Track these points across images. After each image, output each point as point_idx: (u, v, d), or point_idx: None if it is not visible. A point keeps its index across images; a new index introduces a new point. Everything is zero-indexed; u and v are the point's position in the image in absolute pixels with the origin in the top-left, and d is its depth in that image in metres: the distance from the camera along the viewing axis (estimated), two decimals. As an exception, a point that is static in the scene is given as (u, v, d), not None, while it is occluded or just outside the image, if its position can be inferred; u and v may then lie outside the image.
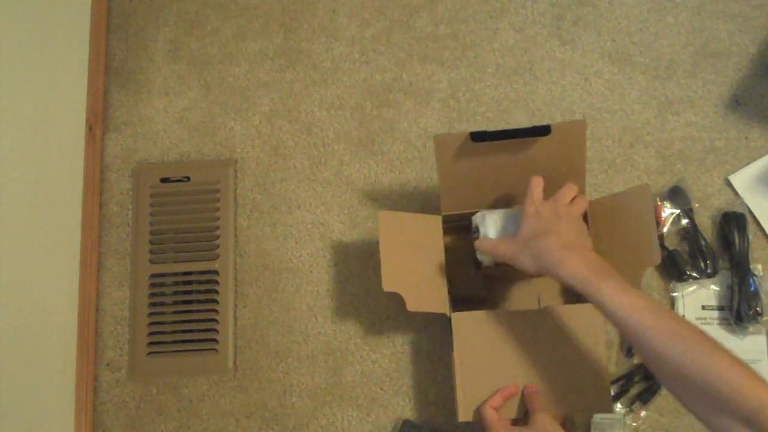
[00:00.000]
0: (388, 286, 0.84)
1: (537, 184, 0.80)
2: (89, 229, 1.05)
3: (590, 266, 0.69)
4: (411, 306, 0.84)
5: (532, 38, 1.09)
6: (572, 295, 0.94)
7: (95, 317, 1.04)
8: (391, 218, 0.90)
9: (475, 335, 0.85)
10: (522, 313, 0.86)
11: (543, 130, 0.83)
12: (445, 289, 0.89)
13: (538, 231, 0.75)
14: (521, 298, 0.96)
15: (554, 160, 0.86)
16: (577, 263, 0.70)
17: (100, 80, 1.11)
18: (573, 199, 0.83)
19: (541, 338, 0.85)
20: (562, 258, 0.71)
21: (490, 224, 0.81)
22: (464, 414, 0.84)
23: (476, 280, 0.96)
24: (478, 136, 0.83)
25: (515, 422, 0.83)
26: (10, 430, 0.85)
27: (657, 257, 0.78)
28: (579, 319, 0.84)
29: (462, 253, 0.95)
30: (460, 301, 0.91)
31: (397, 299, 0.96)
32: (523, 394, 0.83)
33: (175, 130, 1.10)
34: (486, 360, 0.85)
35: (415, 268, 0.87)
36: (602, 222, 0.88)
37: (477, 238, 0.84)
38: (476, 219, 0.85)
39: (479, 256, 0.85)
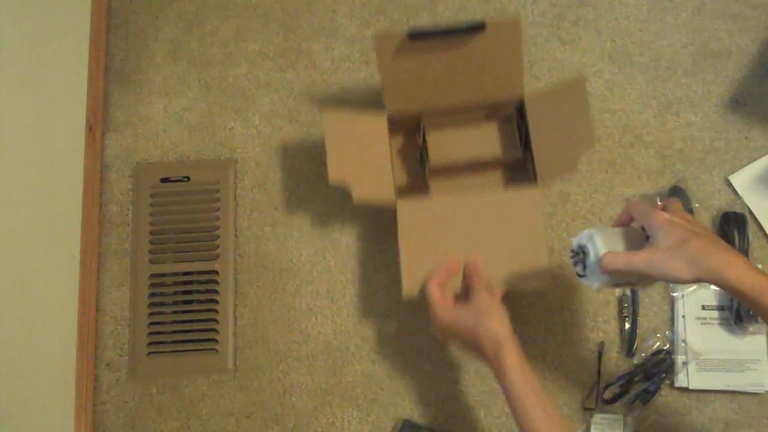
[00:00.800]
0: (334, 177, 0.89)
1: (641, 202, 0.74)
2: (89, 229, 1.05)
3: (762, 273, 0.65)
4: (357, 196, 0.89)
5: (532, 38, 1.09)
6: (511, 185, 1.00)
7: (95, 317, 1.04)
8: (336, 115, 0.94)
9: (420, 219, 0.90)
10: (464, 198, 0.91)
11: (478, 26, 0.87)
12: (390, 182, 0.92)
13: (685, 236, 0.68)
14: (464, 190, 0.99)
15: (492, 59, 0.91)
16: (746, 267, 0.65)
17: (100, 80, 1.11)
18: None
19: (483, 220, 0.90)
20: (728, 260, 0.65)
21: (600, 243, 0.71)
22: (409, 291, 0.88)
23: (420, 176, 1.00)
24: (415, 35, 0.87)
25: (457, 299, 0.85)
26: (10, 431, 0.85)
27: (592, 142, 0.88)
28: (518, 202, 0.91)
29: (406, 151, 1.02)
30: (405, 195, 0.94)
31: (396, 296, 0.96)
32: (463, 272, 0.86)
33: (175, 130, 1.10)
34: (430, 241, 0.89)
35: (360, 162, 0.92)
36: (540, 112, 0.94)
37: (581, 260, 0.74)
38: (582, 239, 0.74)
39: (590, 281, 0.74)
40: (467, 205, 0.91)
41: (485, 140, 1.01)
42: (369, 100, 1.08)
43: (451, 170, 1.00)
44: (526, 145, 0.96)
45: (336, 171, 0.89)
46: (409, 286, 0.88)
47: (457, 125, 1.00)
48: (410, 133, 1.01)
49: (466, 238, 0.89)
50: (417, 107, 0.96)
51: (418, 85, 0.93)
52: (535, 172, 0.93)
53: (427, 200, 0.93)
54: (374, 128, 0.94)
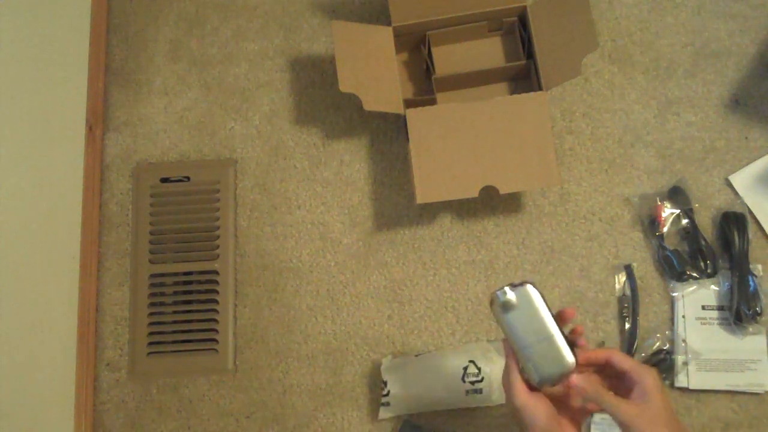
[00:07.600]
0: (344, 87, 0.91)
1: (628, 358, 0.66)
2: (89, 229, 1.05)
3: None
4: (367, 105, 0.91)
5: (532, 38, 1.09)
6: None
7: (95, 317, 1.04)
8: (345, 28, 0.96)
9: (430, 126, 0.93)
10: (472, 104, 0.93)
11: None
12: (398, 92, 0.96)
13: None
14: (470, 100, 0.99)
15: None
16: None
17: (100, 80, 1.11)
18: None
19: (492, 125, 0.92)
20: None
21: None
22: (422, 197, 0.91)
23: (427, 90, 1.03)
24: None
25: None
26: (10, 431, 0.85)
27: (595, 44, 0.89)
28: (525, 105, 0.93)
29: (412, 68, 1.06)
30: (412, 106, 0.96)
31: (395, 297, 0.96)
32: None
33: (175, 130, 1.10)
34: (441, 146, 0.92)
35: (369, 73, 0.95)
36: (542, 18, 0.97)
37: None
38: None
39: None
40: (475, 109, 0.93)
41: (489, 53, 1.05)
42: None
43: (457, 84, 1.03)
44: (530, 56, 0.99)
45: (346, 82, 0.92)
46: (423, 192, 0.91)
47: (461, 40, 1.05)
48: (416, 51, 1.05)
49: (476, 141, 0.92)
50: (421, 19, 0.99)
51: None
52: (539, 81, 0.95)
53: (436, 108, 0.95)
54: (381, 40, 0.97)
